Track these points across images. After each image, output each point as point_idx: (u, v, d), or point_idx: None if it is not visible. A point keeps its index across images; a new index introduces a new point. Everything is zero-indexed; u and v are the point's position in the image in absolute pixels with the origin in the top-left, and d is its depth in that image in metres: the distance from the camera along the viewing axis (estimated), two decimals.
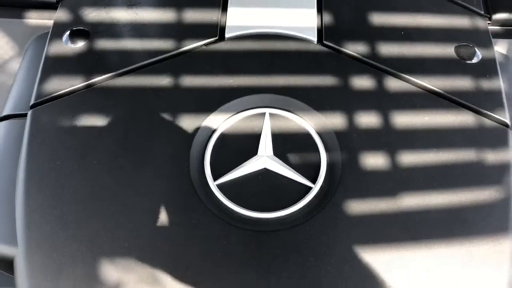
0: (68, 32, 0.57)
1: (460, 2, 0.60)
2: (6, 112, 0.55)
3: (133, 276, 0.43)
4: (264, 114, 0.51)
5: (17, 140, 0.51)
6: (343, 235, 0.45)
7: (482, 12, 0.60)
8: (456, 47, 0.56)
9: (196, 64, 0.54)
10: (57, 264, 0.44)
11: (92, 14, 0.58)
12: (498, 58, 0.56)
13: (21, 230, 0.45)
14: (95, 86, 0.53)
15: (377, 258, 0.44)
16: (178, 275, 0.43)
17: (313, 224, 0.45)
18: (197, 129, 0.50)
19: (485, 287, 0.43)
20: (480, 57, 0.55)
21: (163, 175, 0.48)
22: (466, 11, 0.59)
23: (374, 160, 0.48)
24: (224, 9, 0.58)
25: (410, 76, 0.53)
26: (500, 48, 0.59)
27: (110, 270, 0.43)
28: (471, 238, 0.45)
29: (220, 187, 0.47)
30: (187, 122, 0.50)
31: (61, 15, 0.59)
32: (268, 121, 0.51)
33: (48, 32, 0.58)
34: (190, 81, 0.53)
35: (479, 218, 0.46)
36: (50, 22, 0.59)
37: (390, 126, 0.50)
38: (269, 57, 0.55)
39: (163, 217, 0.46)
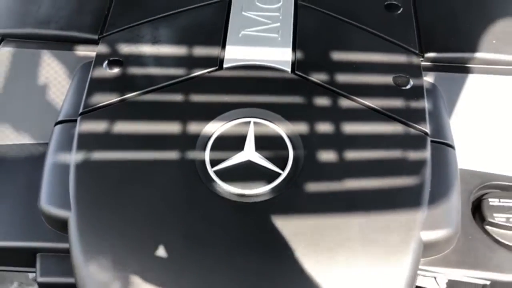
0: (107, 61, 0.77)
1: (401, 44, 0.79)
2: (60, 118, 0.74)
3: (153, 232, 0.61)
4: (249, 122, 0.70)
5: (69, 136, 0.70)
6: (303, 206, 0.63)
7: (417, 52, 0.79)
8: (393, 77, 0.75)
9: (201, 86, 0.73)
10: (100, 223, 0.62)
11: (125, 48, 0.78)
12: (426, 86, 0.75)
13: (73, 197, 0.64)
14: (126, 100, 0.72)
15: (326, 222, 0.61)
16: (183, 233, 0.62)
17: (282, 198, 0.63)
18: (200, 132, 0.68)
19: (399, 241, 0.60)
20: (412, 84, 0.74)
21: (175, 164, 0.66)
22: (405, 50, 0.79)
23: (327, 155, 0.66)
24: (223, 47, 0.78)
25: (358, 97, 0.72)
26: (429, 78, 0.78)
27: (139, 227, 0.61)
28: (394, 211, 0.63)
29: (216, 172, 0.65)
30: (194, 127, 0.69)
31: (102, 48, 0.79)
32: (252, 127, 0.69)
33: (92, 61, 0.78)
34: (196, 98, 0.72)
35: (401, 198, 0.64)
36: (93, 54, 0.78)
37: (341, 131, 0.69)
38: (255, 81, 0.74)
39: (175, 193, 0.64)
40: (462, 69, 0.79)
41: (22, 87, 0.79)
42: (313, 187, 0.64)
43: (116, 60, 0.76)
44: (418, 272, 0.63)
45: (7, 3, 0.86)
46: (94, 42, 0.80)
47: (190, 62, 0.76)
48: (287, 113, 0.70)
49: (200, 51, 0.77)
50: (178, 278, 0.58)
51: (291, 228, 0.61)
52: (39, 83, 0.79)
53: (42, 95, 0.78)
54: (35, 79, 0.79)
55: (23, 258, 0.67)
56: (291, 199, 0.63)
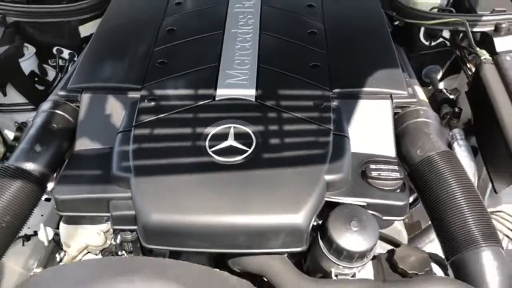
0: (147, 99, 1.31)
1: (319, 85, 1.35)
2: (120, 130, 1.25)
3: (181, 180, 1.12)
4: (230, 126, 1.22)
5: (127, 137, 1.22)
6: (259, 165, 1.14)
7: (328, 89, 1.34)
8: (313, 102, 1.29)
9: (203, 109, 1.27)
10: (148, 179, 1.13)
11: (157, 92, 1.33)
12: (333, 106, 1.30)
13: (132, 166, 1.14)
14: (160, 118, 1.26)
15: (271, 172, 1.13)
16: (197, 181, 1.12)
17: (248, 162, 1.14)
18: (203, 131, 1.21)
19: (311, 179, 1.11)
20: (324, 105, 1.29)
21: (189, 148, 1.18)
22: (321, 88, 1.34)
23: (274, 141, 1.19)
24: (215, 89, 1.32)
25: (292, 112, 1.26)
26: (336, 102, 1.33)
27: (173, 177, 1.12)
28: (310, 165, 1.14)
29: (213, 151, 1.17)
30: (199, 129, 1.21)
31: (144, 93, 1.33)
32: (232, 129, 1.21)
33: (137, 100, 1.32)
34: (200, 115, 1.26)
35: (314, 159, 1.16)
36: (137, 96, 1.33)
37: (282, 129, 1.22)
38: (234, 106, 1.28)
39: (190, 163, 1.16)
40: (355, 97, 1.34)
41: (96, 116, 1.32)
42: (265, 156, 1.16)
43: (152, 98, 1.31)
44: (325, 199, 1.13)
45: (84, 68, 1.42)
46: (138, 90, 1.35)
47: (196, 97, 1.31)
48: (252, 121, 1.23)
49: (202, 91, 1.33)
50: (196, 195, 1.09)
51: (252, 174, 1.13)
52: (106, 113, 1.33)
53: (108, 120, 1.32)
54: (103, 111, 1.33)
55: (102, 205, 1.16)
56: (253, 162, 1.15)
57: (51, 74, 1.90)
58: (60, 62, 1.90)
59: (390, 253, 1.18)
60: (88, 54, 1.49)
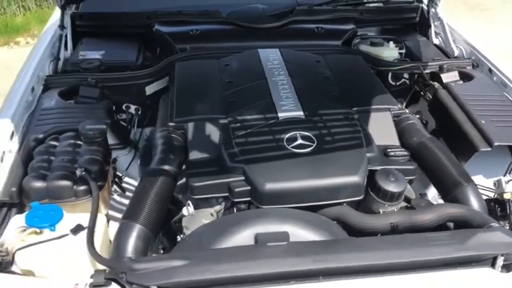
0: (233, 122, 1.94)
1: (341, 105, 2.05)
2: (221, 142, 1.87)
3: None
4: (296, 132, 1.88)
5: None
6: (324, 151, 1.80)
7: (350, 108, 2.05)
8: (343, 116, 1.99)
9: (274, 125, 1.92)
10: (259, 165, 1.74)
11: (239, 118, 1.97)
12: (356, 117, 2.00)
13: (242, 159, 1.75)
14: (248, 132, 1.89)
15: (326, 155, 1.79)
16: (285, 164, 1.76)
17: (316, 151, 1.80)
18: (279, 137, 1.85)
19: (360, 155, 1.78)
20: (351, 117, 1.98)
21: (276, 147, 1.82)
22: (345, 108, 2.05)
23: (328, 138, 1.86)
24: (277, 113, 1.98)
25: (334, 122, 1.94)
26: (356, 116, 2.04)
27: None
28: (357, 149, 1.82)
29: (291, 147, 1.81)
30: (277, 136, 1.86)
31: (230, 119, 1.97)
32: (298, 133, 1.87)
33: (226, 124, 1.95)
34: (274, 128, 1.90)
35: (356, 145, 1.83)
36: (225, 122, 1.96)
37: (331, 131, 1.89)
38: (292, 121, 1.94)
39: (279, 154, 1.79)
40: (368, 112, 2.05)
41: (200, 136, 1.93)
42: (325, 146, 1.82)
43: (237, 121, 1.95)
44: (368, 168, 1.79)
45: (180, 108, 2.04)
46: (225, 118, 1.98)
47: (265, 119, 1.96)
48: (308, 129, 1.90)
49: (268, 115, 1.98)
50: (289, 170, 1.72)
51: (320, 156, 1.78)
52: (206, 134, 1.93)
53: (208, 138, 1.92)
54: (204, 132, 1.94)
55: (223, 188, 1.74)
56: (319, 151, 1.80)
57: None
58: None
59: (409, 205, 1.85)
60: (177, 101, 2.11)
